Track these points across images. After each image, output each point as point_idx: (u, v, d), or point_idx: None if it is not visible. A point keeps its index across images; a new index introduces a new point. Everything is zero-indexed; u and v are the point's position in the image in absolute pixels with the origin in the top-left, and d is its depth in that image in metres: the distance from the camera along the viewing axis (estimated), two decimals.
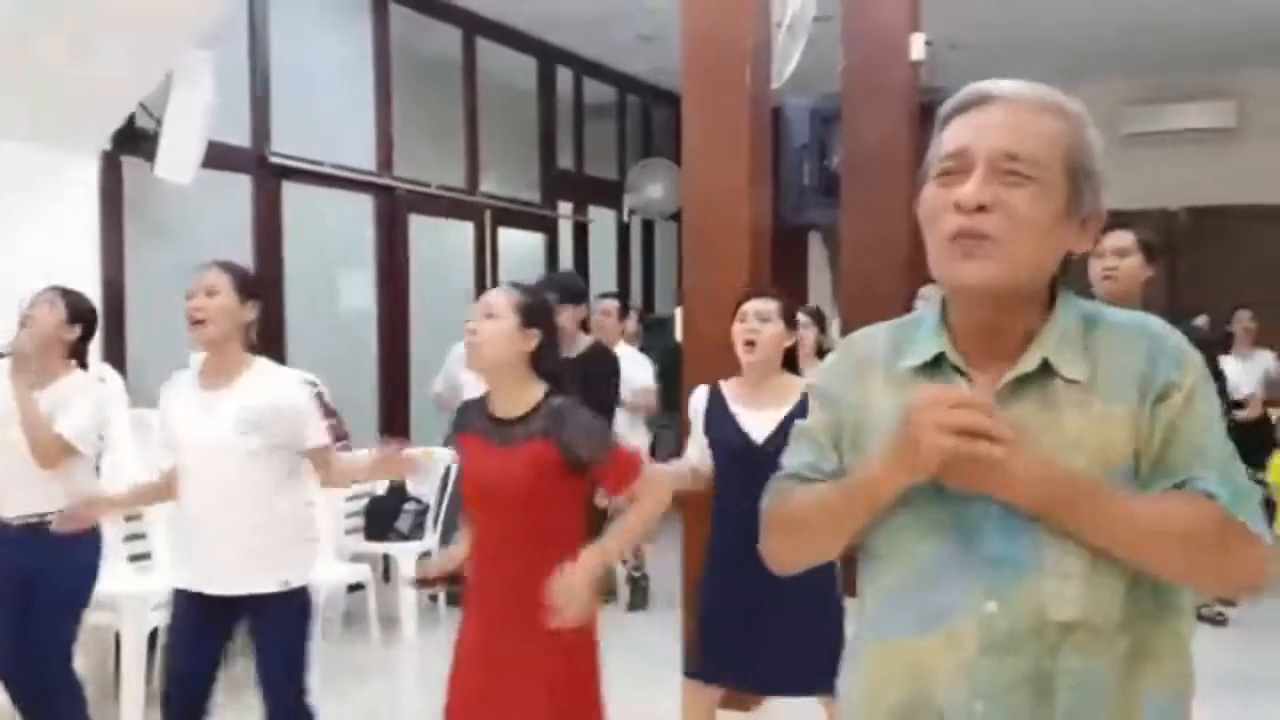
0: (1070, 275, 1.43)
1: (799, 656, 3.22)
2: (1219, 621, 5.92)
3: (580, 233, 9.48)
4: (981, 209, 1.31)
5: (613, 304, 6.51)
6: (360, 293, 7.26)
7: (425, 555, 5.83)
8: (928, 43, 5.89)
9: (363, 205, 7.23)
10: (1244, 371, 6.98)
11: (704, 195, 4.61)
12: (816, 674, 2.77)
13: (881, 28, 5.83)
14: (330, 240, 7.05)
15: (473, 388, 3.43)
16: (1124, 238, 3.74)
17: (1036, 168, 1.32)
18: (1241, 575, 1.36)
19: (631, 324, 7.16)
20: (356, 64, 7.15)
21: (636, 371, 6.10)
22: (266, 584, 3.24)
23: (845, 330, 5.19)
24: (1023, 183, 1.32)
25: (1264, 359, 7.48)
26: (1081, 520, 1.31)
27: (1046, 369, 1.36)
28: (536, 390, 2.87)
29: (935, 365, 1.41)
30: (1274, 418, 7.44)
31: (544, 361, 2.90)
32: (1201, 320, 6.63)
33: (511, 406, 2.86)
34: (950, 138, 1.37)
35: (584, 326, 5.66)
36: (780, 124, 5.15)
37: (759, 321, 3.36)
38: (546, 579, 2.67)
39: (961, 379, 1.40)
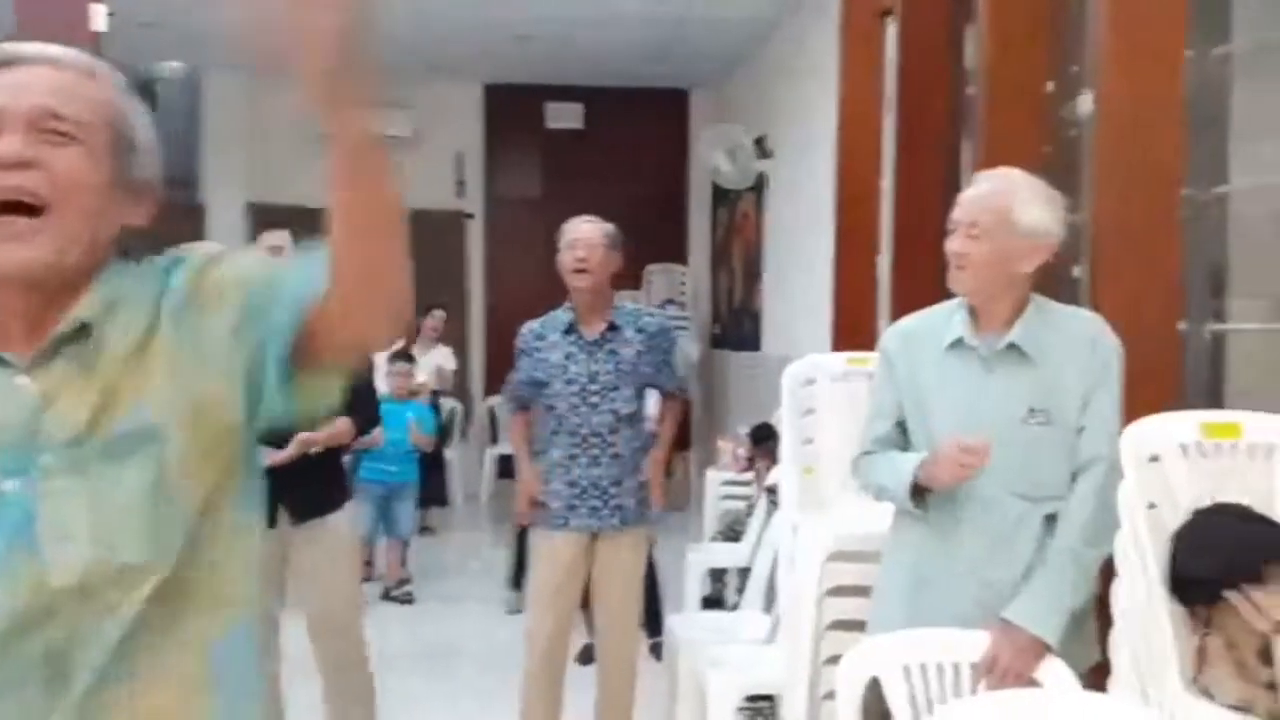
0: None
1: None
2: (407, 600, 6.32)
3: None
4: (25, 165, 1.20)
5: None
6: None
7: None
8: (111, 14, 5.50)
9: None
10: (420, 365, 7.50)
11: None
12: None
13: None
14: None
15: None
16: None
17: (81, 129, 1.24)
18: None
19: None
20: None
21: None
22: None
23: None
24: (67, 143, 1.23)
25: (442, 354, 8.14)
26: None
27: (86, 333, 1.25)
28: None
29: None
30: (446, 408, 8.13)
31: None
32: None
33: None
34: None
35: None
36: None
37: None
38: None
39: (4, 367, 1.24)
